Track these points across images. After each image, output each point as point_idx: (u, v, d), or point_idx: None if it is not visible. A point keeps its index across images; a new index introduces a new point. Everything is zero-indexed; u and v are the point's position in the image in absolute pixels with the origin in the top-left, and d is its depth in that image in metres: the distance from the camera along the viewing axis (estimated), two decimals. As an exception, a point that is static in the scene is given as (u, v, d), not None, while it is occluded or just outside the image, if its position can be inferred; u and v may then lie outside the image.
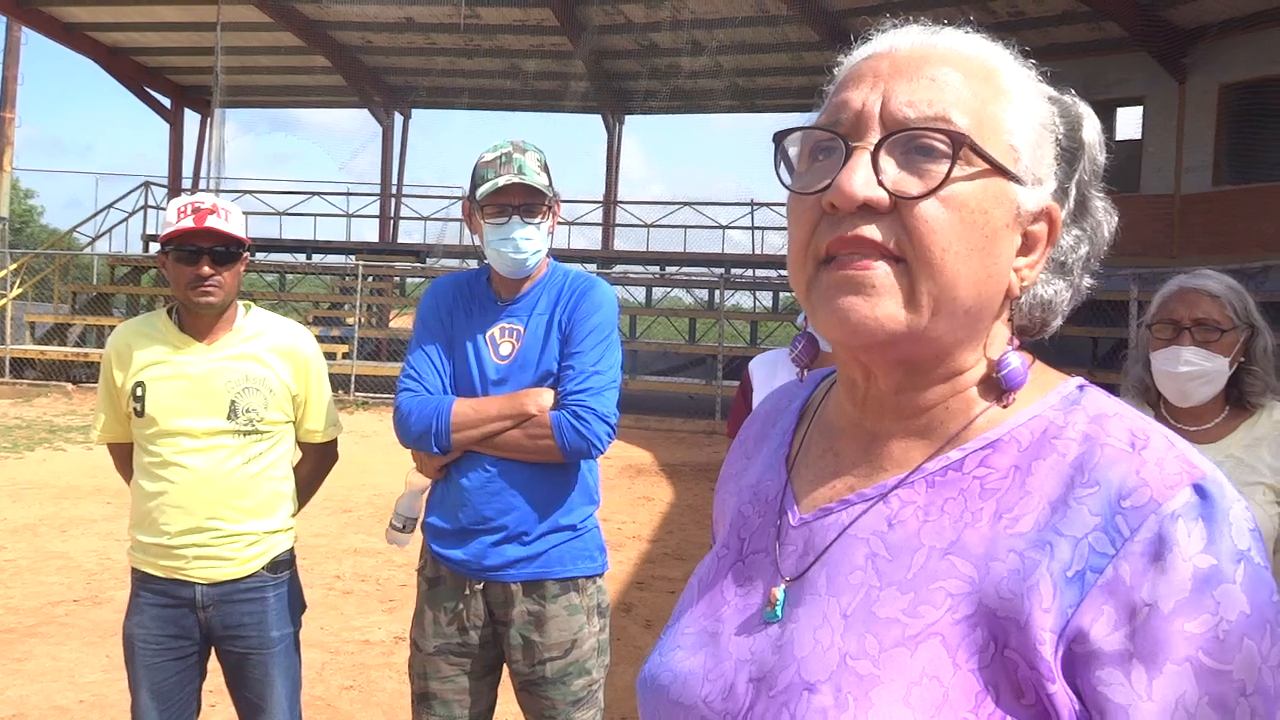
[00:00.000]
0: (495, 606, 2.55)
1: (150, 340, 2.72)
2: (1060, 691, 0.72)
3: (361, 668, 5.11)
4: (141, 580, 2.72)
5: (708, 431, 15.57)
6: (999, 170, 0.79)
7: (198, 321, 2.72)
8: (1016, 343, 0.86)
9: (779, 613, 0.86)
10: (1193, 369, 2.27)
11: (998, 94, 0.82)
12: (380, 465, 10.17)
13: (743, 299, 21.91)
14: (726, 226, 24.56)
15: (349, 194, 25.68)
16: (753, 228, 24.35)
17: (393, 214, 25.17)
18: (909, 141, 0.79)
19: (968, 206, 0.78)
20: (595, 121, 24.09)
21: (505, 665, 2.62)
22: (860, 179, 0.78)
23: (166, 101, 24.85)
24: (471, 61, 22.42)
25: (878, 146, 0.79)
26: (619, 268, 22.93)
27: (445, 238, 23.60)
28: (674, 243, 24.34)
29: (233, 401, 2.68)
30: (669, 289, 23.79)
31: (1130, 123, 18.30)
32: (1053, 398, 0.84)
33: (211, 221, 2.61)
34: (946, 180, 0.78)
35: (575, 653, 2.54)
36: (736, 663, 0.86)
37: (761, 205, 24.28)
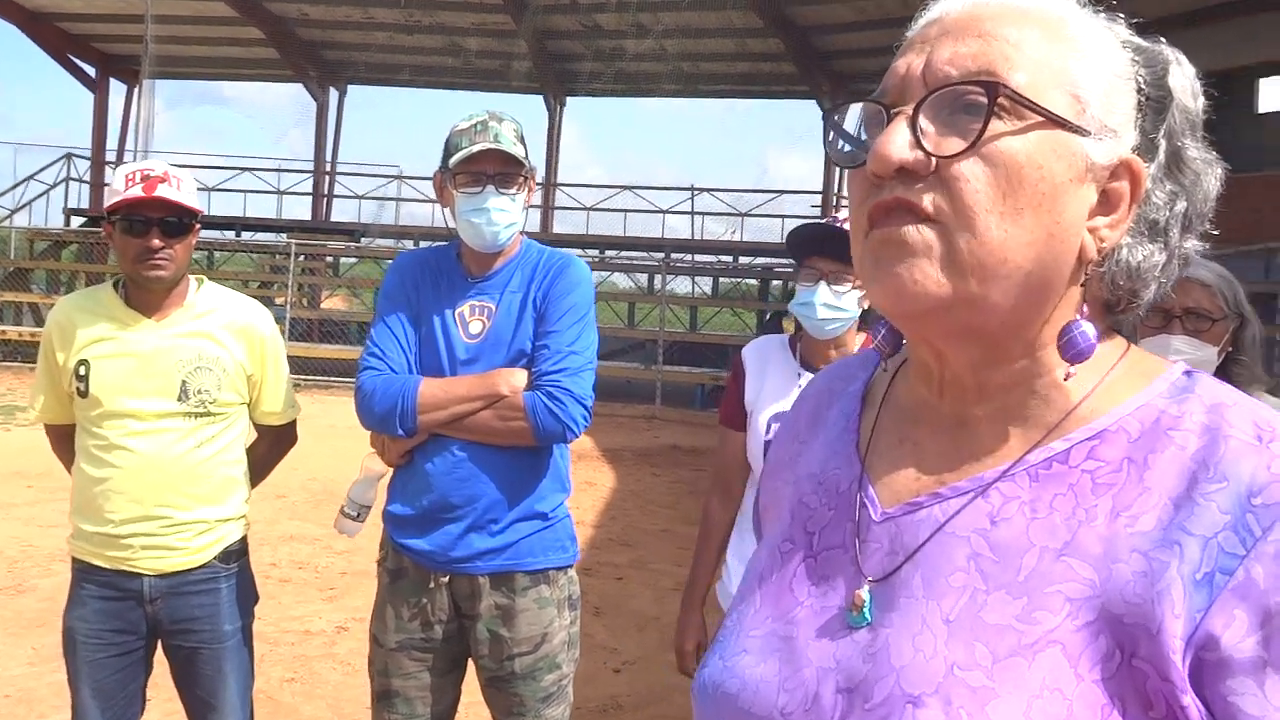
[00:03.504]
0: (461, 600, 2.43)
1: (94, 316, 2.55)
2: (1192, 704, 0.66)
3: (303, 659, 4.95)
4: (84, 571, 2.55)
5: (647, 416, 15.51)
6: (1054, 121, 0.73)
7: (146, 296, 2.55)
8: (1087, 310, 0.78)
9: (867, 616, 0.78)
10: (1183, 358, 2.23)
11: (1060, 43, 0.76)
12: (315, 449, 9.89)
13: (681, 284, 21.89)
14: (667, 211, 24.51)
15: (280, 170, 25.15)
16: (693, 213, 24.35)
17: (326, 192, 24.68)
18: (954, 100, 0.74)
19: (1017, 162, 0.72)
20: (536, 102, 23.85)
21: (470, 660, 2.50)
22: (894, 143, 0.74)
23: (91, 70, 24.06)
24: (412, 38, 22.07)
25: (917, 108, 0.75)
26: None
27: (382, 217, 23.24)
28: (614, 226, 24.26)
29: (184, 381, 2.51)
30: (608, 273, 23.68)
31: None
32: (1160, 384, 0.77)
33: (163, 190, 2.45)
34: (983, 134, 0.72)
35: (545, 647, 2.43)
36: (819, 671, 0.78)
37: (702, 191, 24.29)
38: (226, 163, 25.88)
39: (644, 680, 4.90)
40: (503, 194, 2.39)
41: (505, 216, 2.39)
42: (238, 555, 2.66)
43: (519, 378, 2.38)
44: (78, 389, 2.51)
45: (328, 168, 24.56)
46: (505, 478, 2.39)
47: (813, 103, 22.24)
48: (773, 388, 2.57)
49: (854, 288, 2.46)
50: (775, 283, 21.20)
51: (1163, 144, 0.78)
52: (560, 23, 21.04)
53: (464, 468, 2.38)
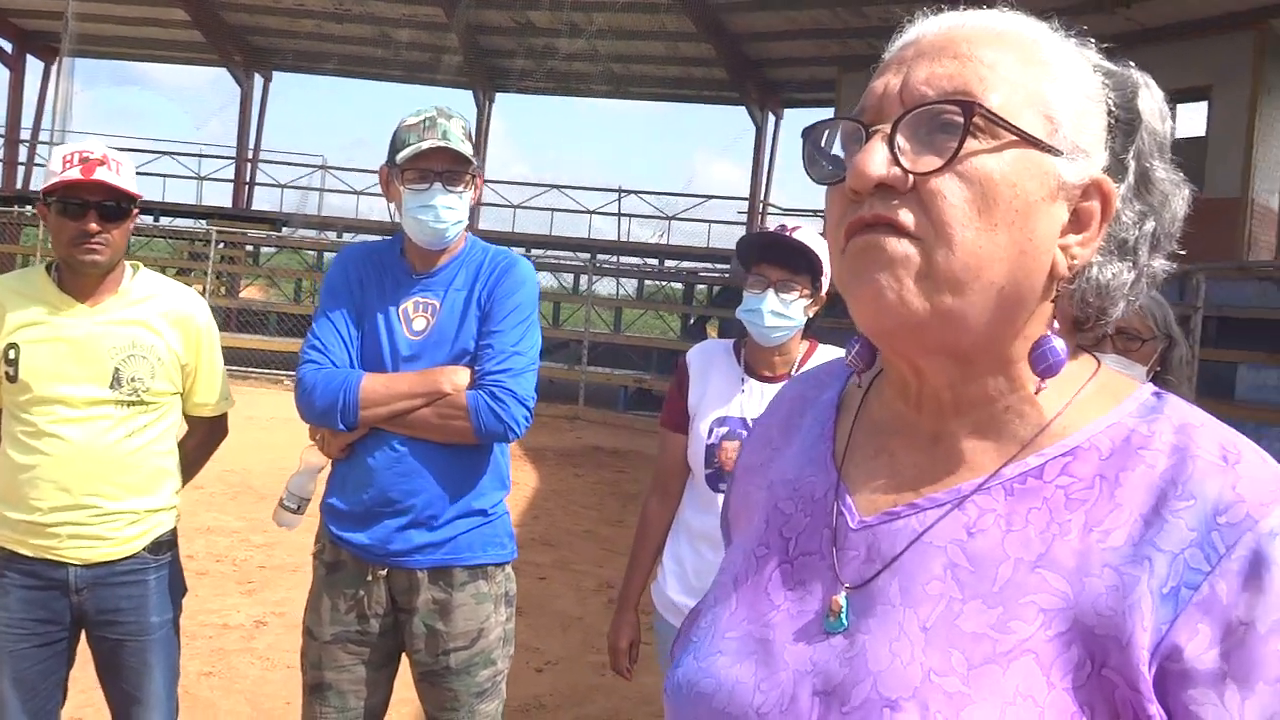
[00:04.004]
0: (398, 594, 2.43)
1: (26, 299, 2.49)
2: (1157, 713, 0.69)
3: (221, 653, 4.87)
4: (6, 559, 2.49)
5: (570, 416, 15.48)
6: (1027, 140, 0.76)
7: (80, 281, 2.50)
8: (1058, 326, 0.81)
9: (844, 622, 0.80)
10: None
11: (1034, 66, 0.79)
12: (234, 440, 9.66)
13: (606, 285, 21.91)
14: (593, 212, 24.52)
15: (201, 155, 24.56)
16: (619, 215, 24.38)
17: (248, 179, 24.19)
18: (931, 119, 0.76)
19: (991, 180, 0.75)
20: (465, 97, 23.66)
21: (405, 655, 2.51)
22: (873, 160, 0.76)
23: (8, 46, 23.26)
24: (341, 26, 21.71)
25: (894, 126, 0.77)
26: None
27: (305, 208, 22.84)
28: (540, 225, 24.17)
29: (116, 369, 2.47)
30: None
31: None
32: (1130, 404, 0.81)
33: (101, 174, 2.41)
34: (959, 152, 0.75)
35: (481, 643, 2.44)
36: (795, 674, 0.80)
37: (629, 193, 24.34)
38: (146, 146, 25.03)
39: (567, 680, 4.92)
40: (450, 191, 2.40)
41: (452, 214, 2.41)
42: (167, 547, 2.62)
43: (461, 376, 2.39)
44: (6, 373, 2.45)
45: (250, 155, 24.08)
46: (446, 474, 2.40)
47: (743, 109, 22.42)
48: (716, 392, 2.61)
49: (800, 296, 2.52)
50: (700, 287, 21.34)
51: (1132, 165, 0.81)
52: (492, 18, 20.90)
53: (405, 463, 2.38)
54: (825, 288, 2.59)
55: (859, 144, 0.79)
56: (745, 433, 2.54)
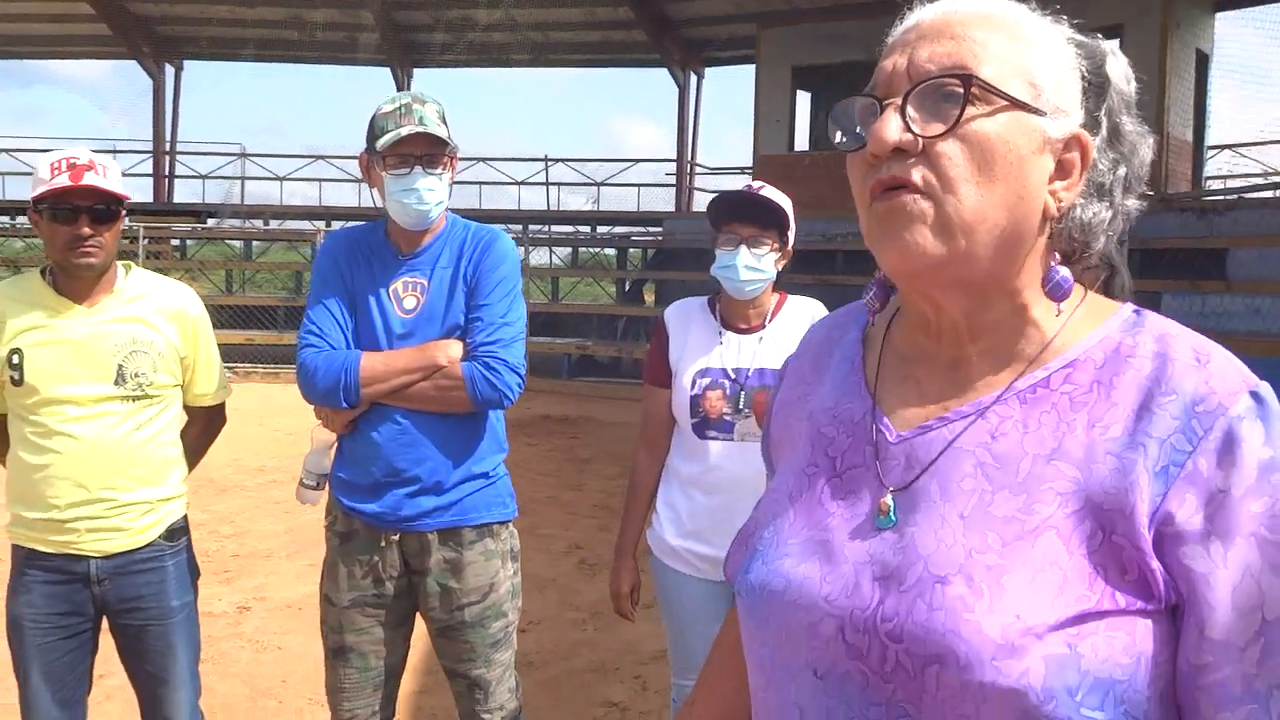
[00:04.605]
0: (410, 556, 2.57)
1: (23, 305, 2.57)
2: (1157, 567, 0.86)
3: (209, 640, 4.86)
4: (26, 558, 2.59)
5: (517, 388, 15.57)
6: (1017, 104, 0.91)
7: (76, 284, 2.58)
8: (1059, 258, 0.98)
9: (893, 518, 0.96)
10: None
11: (1017, 42, 0.94)
12: (185, 436, 9.70)
13: (540, 256, 21.90)
14: (522, 183, 24.45)
15: (115, 151, 23.99)
16: (547, 184, 24.34)
17: (168, 172, 23.71)
18: (935, 91, 0.91)
19: (989, 139, 0.90)
20: (384, 75, 23.41)
21: (419, 615, 2.65)
22: (889, 127, 0.91)
23: (-101, 49, 22.50)
24: (253, 11, 21.26)
25: (905, 99, 0.92)
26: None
27: (232, 197, 22.47)
28: (469, 200, 24.05)
29: (120, 366, 2.57)
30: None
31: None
32: (1115, 321, 0.97)
33: (90, 178, 2.49)
34: (961, 117, 0.90)
35: (492, 596, 2.60)
36: (855, 565, 0.95)
37: (556, 161, 24.30)
38: (54, 145, 24.36)
39: (550, 637, 5.09)
40: (430, 174, 2.51)
41: (434, 195, 2.53)
42: (181, 533, 2.73)
43: (455, 349, 2.52)
44: (12, 378, 2.53)
45: (168, 147, 23.59)
46: (448, 442, 2.54)
47: (664, 70, 22.48)
48: (695, 346, 2.78)
49: (771, 250, 2.69)
50: (633, 251, 21.44)
51: (1104, 120, 0.96)
52: (407, -7, 20.72)
53: (408, 434, 2.52)
54: (791, 242, 2.76)
55: (874, 116, 0.94)
56: (727, 382, 2.72)
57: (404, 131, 2.46)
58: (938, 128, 0.91)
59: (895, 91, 0.94)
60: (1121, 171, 0.99)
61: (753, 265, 2.67)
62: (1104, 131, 0.97)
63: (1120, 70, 0.99)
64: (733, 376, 2.73)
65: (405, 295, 2.57)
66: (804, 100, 20.28)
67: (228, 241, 23.01)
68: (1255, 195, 12.28)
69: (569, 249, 22.10)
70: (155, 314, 2.65)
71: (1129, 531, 0.87)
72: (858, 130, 0.98)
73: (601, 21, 21.06)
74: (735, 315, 2.80)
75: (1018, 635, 0.84)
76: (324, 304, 2.57)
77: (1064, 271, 0.97)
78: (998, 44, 0.93)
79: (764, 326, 2.78)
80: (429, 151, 2.51)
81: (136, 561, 2.62)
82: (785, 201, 2.74)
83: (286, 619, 5.35)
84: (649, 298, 20.26)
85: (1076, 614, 0.85)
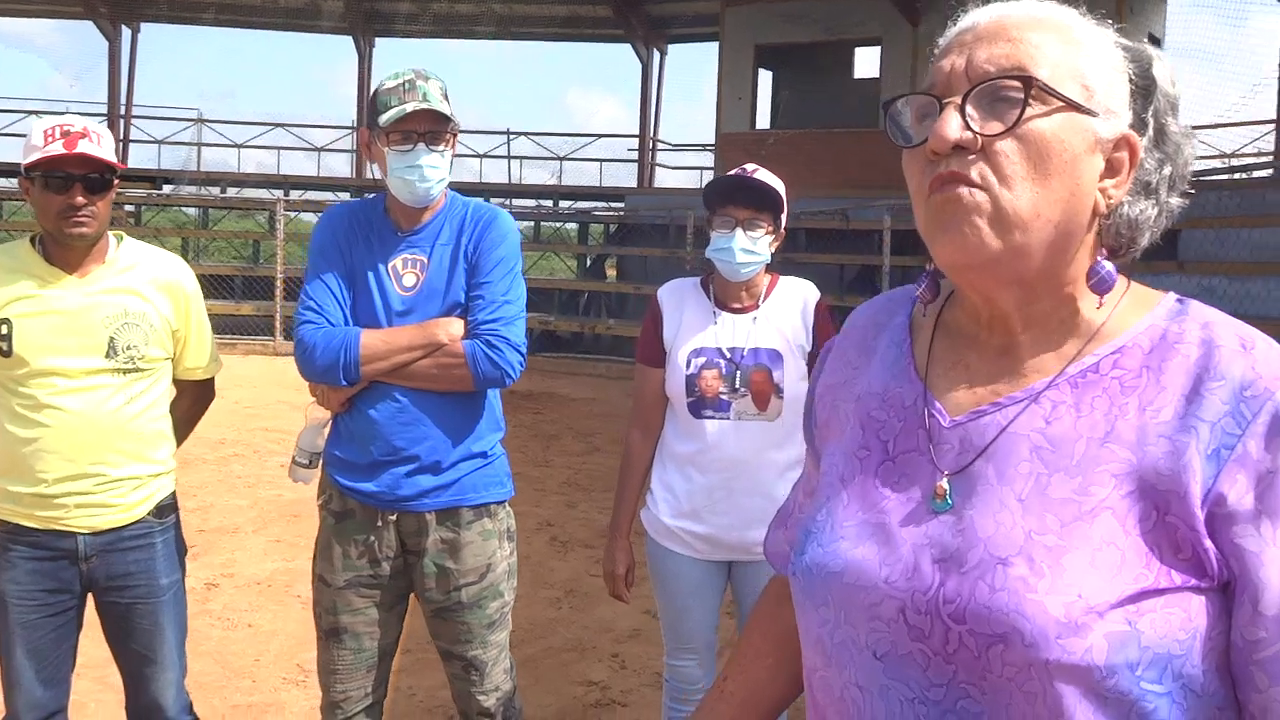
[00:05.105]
0: (407, 536, 2.55)
1: (13, 273, 2.50)
2: (1210, 547, 0.89)
3: (179, 616, 4.89)
4: (11, 533, 2.52)
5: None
6: (1072, 105, 0.94)
7: (67, 254, 2.52)
8: (1105, 253, 1.01)
9: (949, 502, 0.98)
10: None
11: (1070, 45, 0.97)
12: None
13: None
14: (484, 156, 24.27)
15: (69, 114, 23.36)
16: (509, 158, 24.17)
17: (123, 137, 23.21)
18: (993, 91, 0.95)
19: (1044, 138, 0.93)
20: (345, 43, 23.07)
21: (413, 595, 2.63)
22: (950, 126, 0.94)
23: None
24: (213, -27, 20.89)
25: (964, 99, 0.95)
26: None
27: (189, 163, 22.05)
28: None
29: (111, 338, 2.51)
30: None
31: (870, 62, 19.42)
32: (1160, 310, 1.00)
33: (84, 146, 2.42)
34: (1021, 117, 0.93)
35: (490, 576, 2.59)
36: (914, 547, 0.98)
37: (518, 135, 24.13)
38: (8, 105, 23.69)
39: (525, 616, 5.07)
40: (433, 150, 2.48)
41: (436, 173, 2.49)
42: (170, 509, 2.69)
43: (456, 327, 2.49)
44: (0, 348, 2.47)
45: (123, 111, 23.08)
46: (447, 420, 2.52)
47: (628, 46, 22.37)
48: (690, 326, 2.78)
49: (766, 233, 2.70)
50: (595, 226, 21.39)
51: (1151, 122, 1.00)
52: (371, -40, 20.40)
53: (408, 413, 2.49)
54: (784, 224, 2.77)
55: (933, 115, 0.97)
56: (722, 361, 2.72)
57: (409, 107, 2.42)
58: (996, 126, 0.94)
59: (954, 91, 0.96)
60: (1167, 171, 1.02)
61: (748, 248, 2.69)
62: (1150, 132, 1.00)
63: (1166, 74, 1.02)
64: (728, 356, 2.73)
65: (405, 272, 2.54)
66: (766, 79, 20.34)
67: (183, 209, 22.55)
68: (1208, 179, 12.46)
69: (531, 223, 21.98)
70: (148, 285, 2.59)
71: (1183, 512, 0.89)
72: (915, 128, 1.01)
73: (567, -5, 20.92)
74: (729, 296, 2.80)
75: (1081, 613, 0.87)
76: (322, 279, 2.53)
77: (1109, 266, 1.00)
78: (1052, 46, 0.96)
79: (758, 306, 2.79)
80: (432, 128, 2.47)
81: (125, 538, 2.57)
82: (779, 184, 2.74)
83: (256, 595, 5.29)
84: (611, 273, 20.23)
85: (1136, 592, 0.88)
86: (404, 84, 2.46)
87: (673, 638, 2.89)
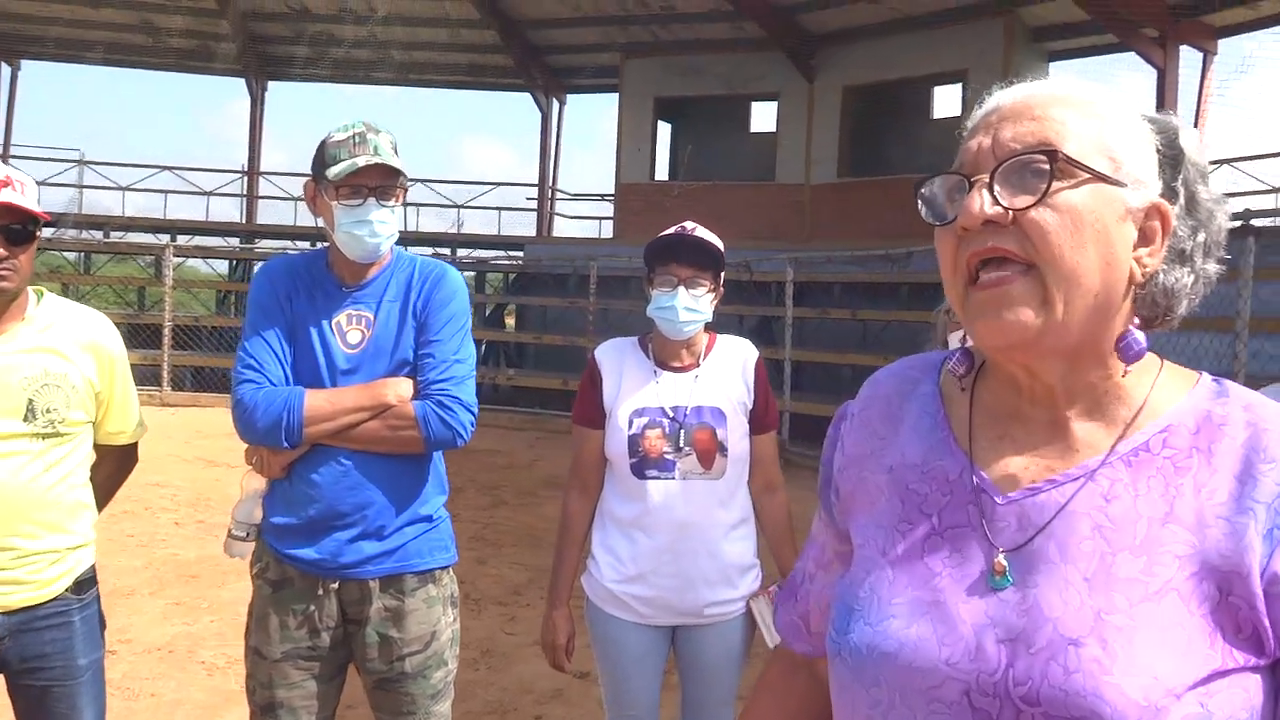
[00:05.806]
0: (349, 605, 2.43)
1: None
2: (1269, 625, 0.90)
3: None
4: None
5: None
6: (1099, 177, 0.95)
7: None
8: (1138, 321, 1.01)
9: (1009, 579, 0.97)
10: None
11: (1094, 119, 0.99)
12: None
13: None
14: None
15: (-64, 152, 22.42)
16: (406, 205, 23.87)
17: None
18: (1022, 167, 0.96)
19: (1076, 209, 0.94)
20: (238, 85, 22.59)
21: (353, 666, 2.51)
22: (980, 203, 0.96)
23: None
24: (97, 12, 20.25)
25: (992, 175, 0.97)
26: (263, 243, 21.68)
27: (73, 207, 21.24)
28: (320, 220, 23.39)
29: (30, 400, 2.34)
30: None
31: (767, 117, 19.88)
32: (1200, 391, 1.01)
33: (6, 195, 2.27)
34: (1049, 189, 0.94)
35: (434, 645, 2.48)
36: (975, 627, 0.96)
37: (416, 182, 23.90)
38: None
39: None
40: (383, 205, 2.40)
41: (386, 228, 2.42)
42: (89, 584, 2.52)
43: (405, 387, 2.41)
44: None
45: (0, 151, 22.16)
46: (392, 484, 2.42)
47: (527, 96, 22.43)
48: (631, 386, 2.74)
49: (708, 291, 2.69)
50: (492, 275, 21.24)
51: (1181, 190, 1.01)
52: (266, 4, 20.05)
53: (351, 476, 2.38)
54: (722, 280, 2.77)
55: (962, 193, 0.99)
56: (665, 420, 2.68)
57: (360, 162, 2.34)
58: (1025, 200, 0.95)
59: (982, 169, 0.98)
60: (1201, 238, 1.03)
61: (691, 306, 2.68)
62: (1181, 200, 1.01)
63: (1193, 143, 1.04)
64: (671, 415, 2.70)
65: (349, 329, 2.44)
66: (665, 130, 20.63)
67: (62, 253, 21.69)
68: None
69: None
70: (70, 344, 2.43)
71: (1245, 592, 0.90)
72: (947, 206, 1.01)
73: (467, 44, 20.93)
74: (670, 354, 2.78)
75: (1160, 696, 0.87)
76: (261, 336, 2.41)
77: (1138, 334, 1.00)
78: (1076, 121, 0.98)
79: (698, 364, 2.77)
80: (383, 183, 2.40)
81: (40, 617, 2.39)
82: (719, 242, 2.74)
83: (157, 663, 5.02)
84: (509, 321, 20.10)
85: (1208, 674, 0.88)
86: (354, 137, 2.39)
87: (614, 705, 2.81)
